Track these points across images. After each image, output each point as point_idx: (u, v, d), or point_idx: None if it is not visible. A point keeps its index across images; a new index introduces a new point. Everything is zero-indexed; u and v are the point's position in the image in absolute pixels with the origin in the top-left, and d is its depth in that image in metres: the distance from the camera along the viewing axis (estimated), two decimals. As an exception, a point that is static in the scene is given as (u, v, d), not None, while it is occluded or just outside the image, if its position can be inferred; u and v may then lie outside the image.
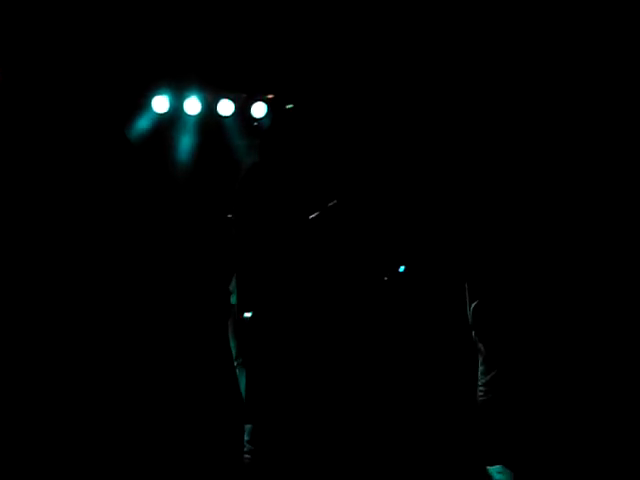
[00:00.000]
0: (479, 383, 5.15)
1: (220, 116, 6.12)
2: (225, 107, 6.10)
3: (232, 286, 4.01)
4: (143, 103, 5.79)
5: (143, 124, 5.81)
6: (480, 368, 5.18)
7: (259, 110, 6.17)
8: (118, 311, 4.28)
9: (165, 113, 5.92)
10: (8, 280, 3.94)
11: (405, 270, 4.62)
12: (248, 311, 3.77)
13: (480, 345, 5.18)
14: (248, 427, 3.72)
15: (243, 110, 6.16)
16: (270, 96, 6.22)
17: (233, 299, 3.97)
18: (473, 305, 5.20)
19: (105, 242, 4.37)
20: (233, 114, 6.14)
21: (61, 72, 4.74)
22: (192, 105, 5.97)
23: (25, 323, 3.88)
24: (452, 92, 5.74)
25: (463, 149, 5.75)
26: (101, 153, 4.66)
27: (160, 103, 5.87)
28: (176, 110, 5.95)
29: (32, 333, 3.85)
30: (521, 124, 5.66)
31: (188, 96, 5.95)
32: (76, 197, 4.22)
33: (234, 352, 3.96)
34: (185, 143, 6.01)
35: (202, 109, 6.02)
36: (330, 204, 4.39)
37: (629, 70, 5.34)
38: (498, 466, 4.85)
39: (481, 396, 5.12)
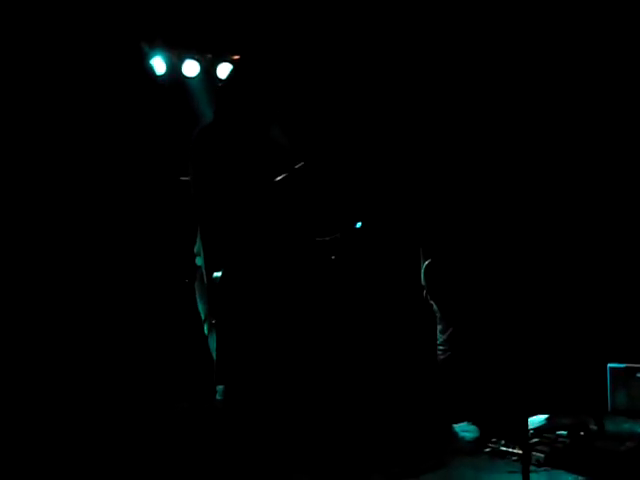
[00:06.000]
0: (438, 342, 5.25)
1: (185, 76, 6.01)
2: (190, 68, 6.00)
3: (197, 248, 3.97)
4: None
5: None
6: (438, 327, 5.28)
7: (224, 71, 6.08)
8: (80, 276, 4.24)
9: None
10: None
11: (361, 226, 4.64)
12: (217, 271, 3.73)
13: (433, 304, 5.27)
14: (220, 388, 3.72)
15: (208, 71, 6.07)
16: (236, 57, 6.12)
17: (199, 261, 3.94)
18: (425, 264, 5.28)
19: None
20: (198, 75, 6.04)
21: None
22: (157, 65, 5.85)
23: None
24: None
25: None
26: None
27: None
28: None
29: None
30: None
31: (153, 56, 5.83)
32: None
33: (203, 314, 3.95)
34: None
35: (167, 69, 5.91)
36: (297, 166, 4.36)
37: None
38: (464, 423, 4.97)
39: (441, 355, 5.21)
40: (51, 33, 4.78)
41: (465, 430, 4.92)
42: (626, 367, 5.34)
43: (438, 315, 5.28)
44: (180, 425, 3.99)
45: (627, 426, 5.00)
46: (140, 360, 4.29)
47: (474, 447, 4.72)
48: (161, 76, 5.81)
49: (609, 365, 5.40)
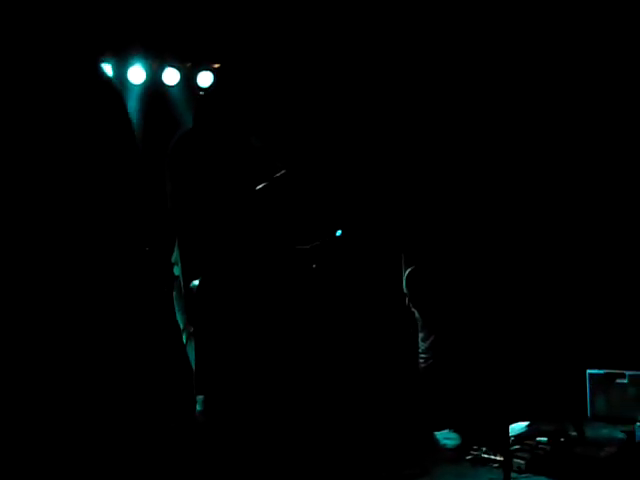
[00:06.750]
0: (420, 350, 5.24)
1: (165, 85, 5.99)
2: (170, 76, 5.97)
3: (175, 257, 3.96)
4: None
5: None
6: (420, 335, 5.27)
7: (205, 79, 6.06)
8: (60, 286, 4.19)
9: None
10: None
11: (342, 234, 4.63)
12: (194, 279, 3.72)
13: (415, 312, 5.26)
14: (200, 398, 3.70)
15: (188, 79, 6.04)
16: (216, 65, 6.11)
17: (177, 270, 3.93)
18: (407, 272, 5.27)
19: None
20: (178, 83, 6.01)
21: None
22: (136, 74, 5.82)
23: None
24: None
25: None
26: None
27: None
28: (120, 79, 5.77)
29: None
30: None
31: (132, 64, 5.79)
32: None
33: (182, 324, 3.93)
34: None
35: (147, 78, 5.88)
36: (277, 174, 4.35)
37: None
38: (445, 431, 4.97)
39: (422, 362, 5.21)
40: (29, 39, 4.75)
41: (447, 437, 4.92)
42: (605, 373, 5.36)
43: (420, 323, 5.28)
44: (161, 437, 3.95)
45: (606, 432, 5.02)
46: (117, 370, 4.23)
47: (456, 454, 4.72)
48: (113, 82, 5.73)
49: (588, 371, 5.43)
